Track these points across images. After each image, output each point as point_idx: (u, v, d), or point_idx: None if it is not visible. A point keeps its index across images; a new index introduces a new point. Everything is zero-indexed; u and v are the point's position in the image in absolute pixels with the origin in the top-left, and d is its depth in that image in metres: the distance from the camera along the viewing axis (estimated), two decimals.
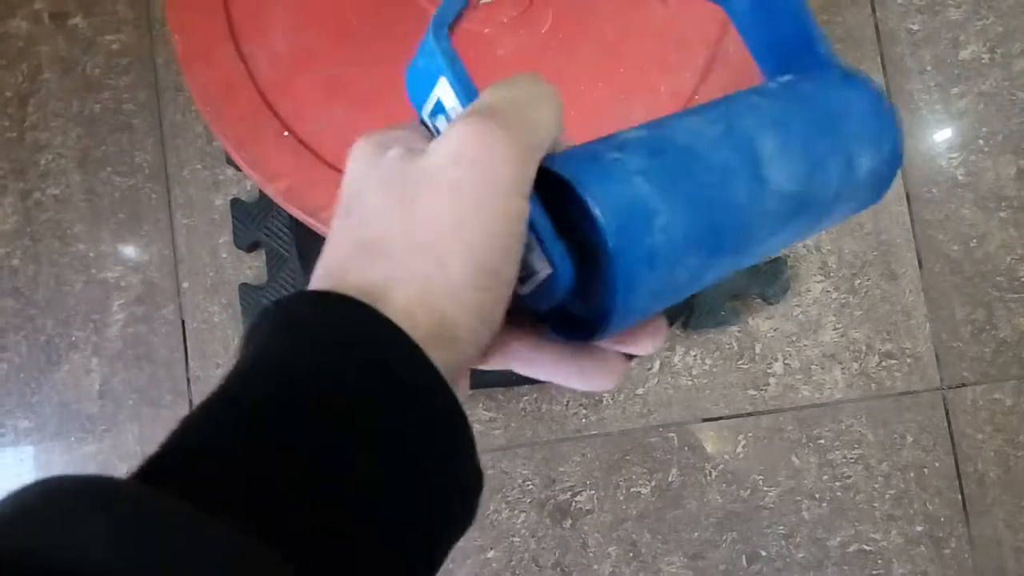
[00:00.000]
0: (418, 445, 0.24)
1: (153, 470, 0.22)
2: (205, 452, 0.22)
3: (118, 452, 1.13)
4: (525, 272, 0.28)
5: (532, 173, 0.26)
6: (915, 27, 1.16)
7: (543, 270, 0.28)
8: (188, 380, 1.13)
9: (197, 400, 1.09)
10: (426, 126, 0.31)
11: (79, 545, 0.18)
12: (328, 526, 0.22)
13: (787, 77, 0.34)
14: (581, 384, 0.31)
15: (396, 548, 0.23)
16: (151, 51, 1.19)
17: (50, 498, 0.20)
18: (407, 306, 0.25)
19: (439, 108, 0.29)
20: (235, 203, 1.11)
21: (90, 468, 1.13)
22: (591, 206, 0.25)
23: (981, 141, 1.15)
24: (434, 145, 0.26)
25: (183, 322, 1.15)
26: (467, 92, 0.28)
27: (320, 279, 0.27)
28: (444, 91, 0.29)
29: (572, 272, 0.28)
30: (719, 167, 0.28)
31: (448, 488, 0.25)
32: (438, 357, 0.25)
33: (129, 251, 1.16)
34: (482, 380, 1.04)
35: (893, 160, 0.33)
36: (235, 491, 0.21)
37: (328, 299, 0.25)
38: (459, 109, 0.28)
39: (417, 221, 0.26)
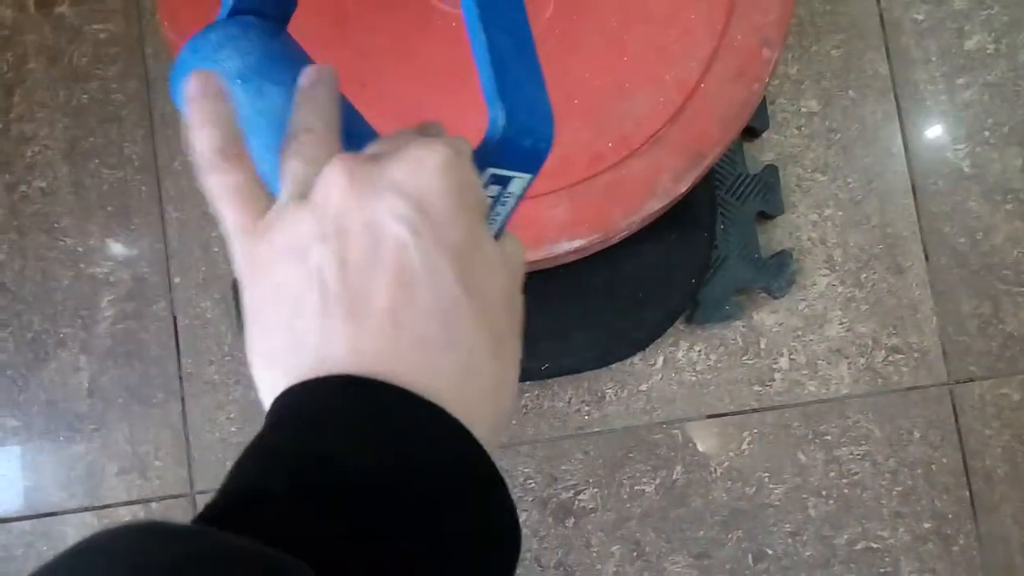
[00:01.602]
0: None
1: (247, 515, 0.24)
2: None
3: (108, 452, 1.10)
4: None
5: None
6: (920, 16, 1.14)
7: None
8: (180, 378, 1.11)
9: (189, 398, 1.05)
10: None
11: None
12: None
13: None
14: None
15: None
16: (140, 40, 1.16)
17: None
18: (473, 402, 0.27)
19: (499, 182, 0.31)
20: None
21: (78, 468, 1.10)
22: None
23: (987, 133, 1.13)
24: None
25: (174, 318, 1.12)
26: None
27: (371, 357, 0.27)
28: (520, 184, 0.31)
29: None
30: None
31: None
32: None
33: (119, 245, 1.13)
34: None
35: None
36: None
37: (393, 396, 0.26)
38: (512, 203, 0.32)
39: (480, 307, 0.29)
